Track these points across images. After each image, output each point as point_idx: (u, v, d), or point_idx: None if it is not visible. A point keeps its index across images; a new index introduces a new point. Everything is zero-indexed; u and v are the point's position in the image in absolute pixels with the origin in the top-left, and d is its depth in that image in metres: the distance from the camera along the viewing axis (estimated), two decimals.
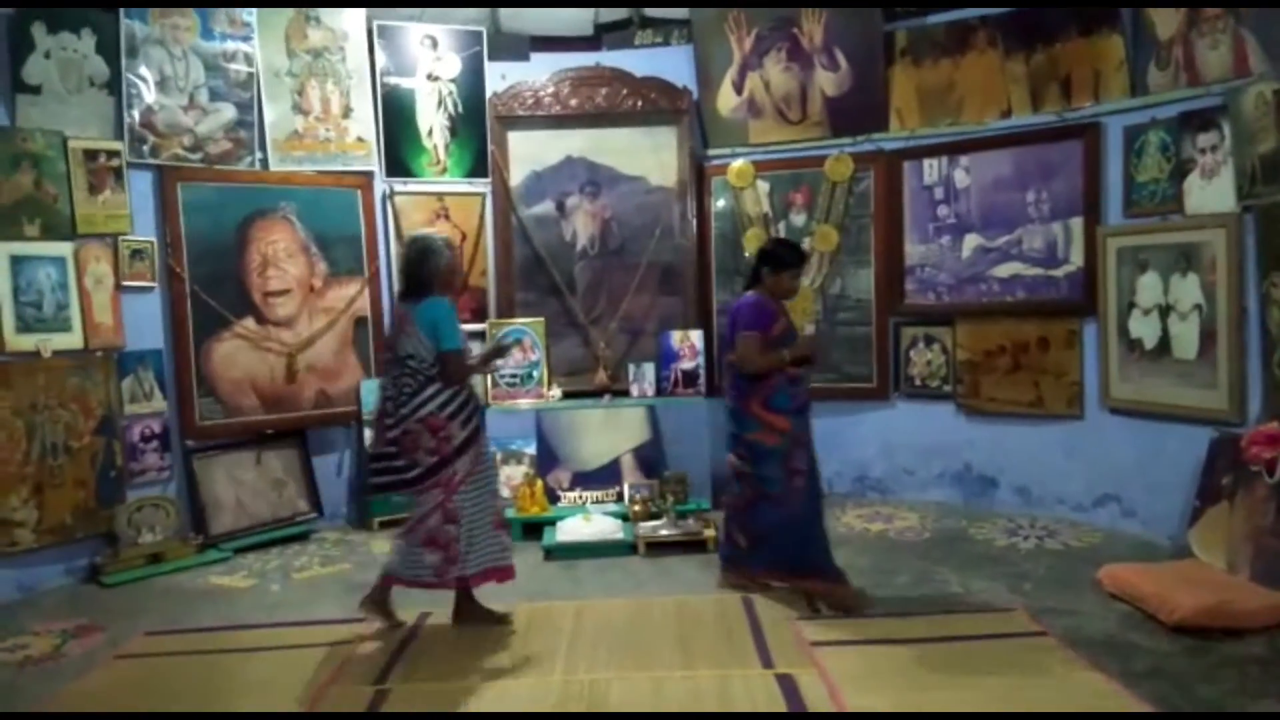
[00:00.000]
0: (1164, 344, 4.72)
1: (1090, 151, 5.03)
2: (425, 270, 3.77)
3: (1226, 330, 4.39)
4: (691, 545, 4.89)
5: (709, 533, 4.91)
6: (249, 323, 5.43)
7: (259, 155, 5.44)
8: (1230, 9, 4.30)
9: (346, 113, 5.69)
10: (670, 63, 6.05)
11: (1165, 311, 4.71)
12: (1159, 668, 3.27)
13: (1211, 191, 4.44)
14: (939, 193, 5.64)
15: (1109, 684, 3.13)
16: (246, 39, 5.35)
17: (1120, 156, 4.91)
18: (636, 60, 6.04)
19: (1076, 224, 5.13)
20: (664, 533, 4.95)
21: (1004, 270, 5.44)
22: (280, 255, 5.52)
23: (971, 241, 5.53)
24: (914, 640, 3.57)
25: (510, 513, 5.32)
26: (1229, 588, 3.75)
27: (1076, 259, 5.15)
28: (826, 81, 5.80)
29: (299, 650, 3.71)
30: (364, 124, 5.75)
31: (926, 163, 5.68)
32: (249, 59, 5.37)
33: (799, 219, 6.00)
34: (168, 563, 4.88)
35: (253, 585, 4.64)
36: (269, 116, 5.45)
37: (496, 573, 3.83)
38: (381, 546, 5.21)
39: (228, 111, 5.32)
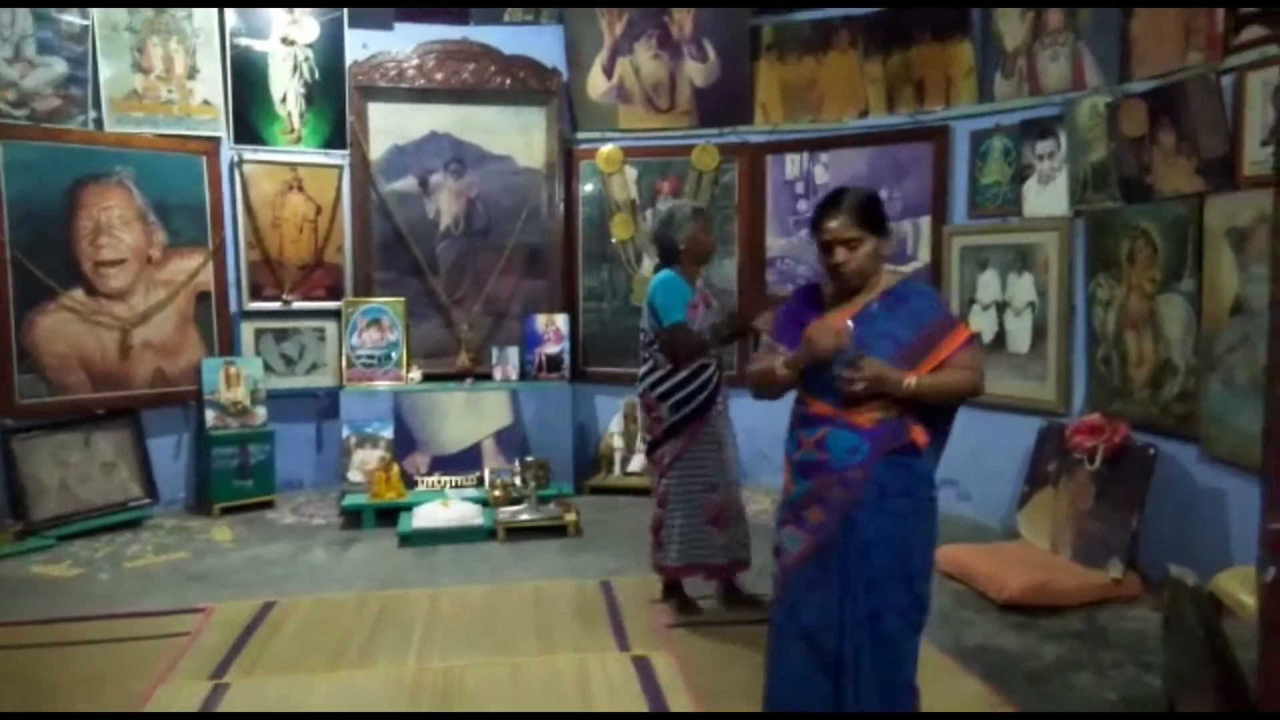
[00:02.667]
0: (1000, 338, 5.01)
1: (939, 153, 5.27)
2: (665, 242, 3.68)
3: (1056, 327, 4.70)
4: (552, 530, 4.87)
5: (570, 517, 4.91)
6: (78, 294, 5.05)
7: (93, 114, 5.06)
8: (1070, 25, 4.58)
9: (192, 73, 5.35)
10: (539, 42, 5.97)
11: (1002, 308, 4.99)
12: (989, 643, 3.48)
13: (1047, 196, 4.73)
14: (799, 187, 5.80)
15: (943, 659, 3.30)
16: None
17: (966, 159, 5.16)
18: (505, 37, 5.93)
19: (925, 222, 5.38)
20: (524, 517, 4.92)
21: None
22: (114, 222, 5.15)
23: None
24: (764, 620, 3.66)
25: (363, 499, 5.16)
26: (1052, 568, 4.02)
27: (924, 255, 5.39)
28: (695, 72, 5.86)
29: (130, 643, 3.49)
30: (211, 86, 5.42)
31: (789, 157, 5.83)
32: (83, 11, 4.97)
33: (666, 206, 6.03)
34: None
35: (79, 575, 4.34)
36: (105, 73, 5.06)
37: (702, 569, 3.67)
38: (223, 534, 4.96)
39: (58, 66, 4.91)
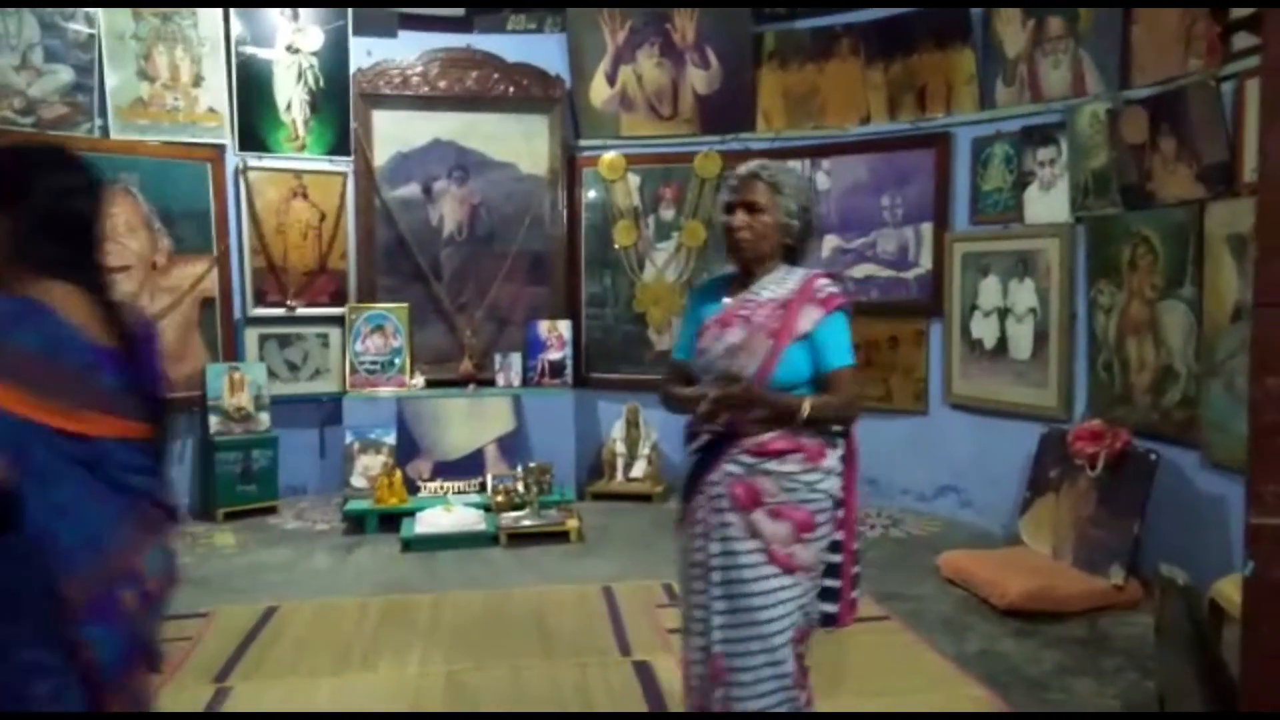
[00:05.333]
0: (1002, 344, 5.01)
1: (941, 160, 5.28)
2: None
3: (1057, 333, 4.71)
4: (554, 536, 4.88)
5: (572, 523, 4.92)
6: None
7: (99, 122, 5.09)
8: (1071, 32, 4.60)
9: (197, 81, 5.39)
10: (542, 50, 6.00)
11: (1004, 314, 5.00)
12: (990, 649, 3.48)
13: (1048, 203, 4.74)
14: None
15: (946, 664, 3.30)
16: None
17: (968, 166, 5.18)
18: (508, 45, 5.96)
19: (926, 229, 5.39)
20: (526, 523, 4.93)
21: (859, 271, 5.66)
22: (119, 229, 5.17)
23: (830, 242, 5.72)
24: None
25: (365, 504, 5.17)
26: (1053, 574, 4.02)
27: (925, 262, 5.40)
28: (698, 79, 5.88)
29: None
30: (216, 94, 5.45)
31: (790, 164, 5.83)
32: (90, 19, 5.01)
33: (668, 213, 6.07)
34: None
35: None
36: (111, 81, 5.10)
37: None
38: (226, 539, 4.98)
39: (64, 74, 4.95)
